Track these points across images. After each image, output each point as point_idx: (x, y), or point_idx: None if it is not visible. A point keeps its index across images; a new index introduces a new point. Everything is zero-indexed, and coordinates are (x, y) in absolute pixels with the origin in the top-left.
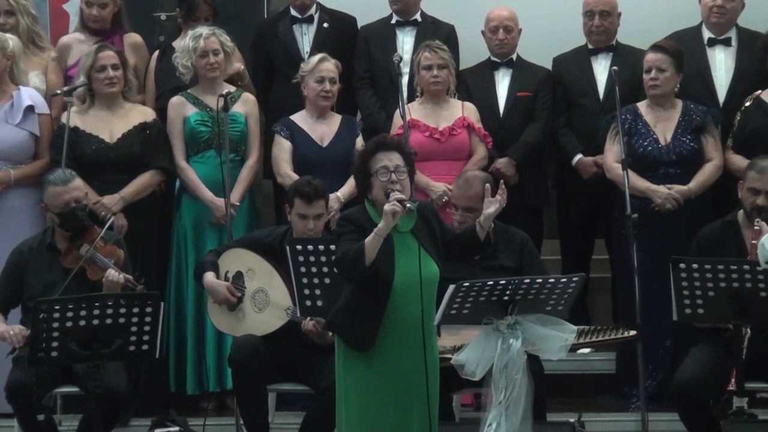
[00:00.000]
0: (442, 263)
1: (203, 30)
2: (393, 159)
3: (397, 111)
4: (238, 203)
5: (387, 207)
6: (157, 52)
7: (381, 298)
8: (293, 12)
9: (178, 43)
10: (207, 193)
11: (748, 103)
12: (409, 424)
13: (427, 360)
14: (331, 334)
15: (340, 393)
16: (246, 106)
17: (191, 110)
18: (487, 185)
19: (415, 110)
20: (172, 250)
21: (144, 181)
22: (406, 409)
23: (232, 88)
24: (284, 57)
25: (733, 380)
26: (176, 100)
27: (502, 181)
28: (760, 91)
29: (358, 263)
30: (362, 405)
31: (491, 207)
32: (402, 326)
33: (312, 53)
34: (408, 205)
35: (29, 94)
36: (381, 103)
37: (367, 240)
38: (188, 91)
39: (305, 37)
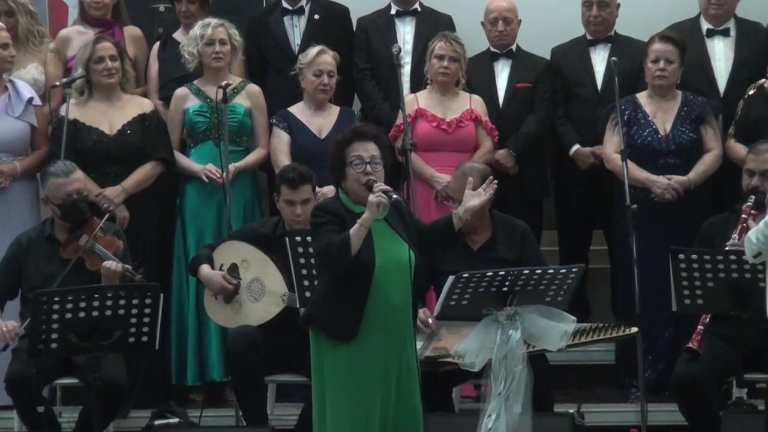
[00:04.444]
0: (427, 255)
1: (213, 20)
2: (369, 149)
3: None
4: (232, 175)
5: (372, 198)
6: (158, 44)
7: (362, 285)
8: (284, 3)
9: (178, 35)
10: (192, 164)
11: (751, 92)
12: (390, 409)
13: (409, 346)
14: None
15: (320, 387)
16: (251, 98)
17: (192, 102)
18: (470, 179)
19: (424, 99)
20: (174, 242)
21: (145, 172)
22: (392, 394)
23: (235, 80)
24: (275, 50)
25: (695, 336)
26: (180, 92)
27: (491, 177)
28: (764, 80)
29: (345, 254)
30: (347, 395)
31: (473, 200)
32: (383, 312)
33: (303, 46)
34: (393, 196)
35: (24, 85)
36: (384, 93)
37: (351, 231)
38: (194, 82)
39: (296, 29)
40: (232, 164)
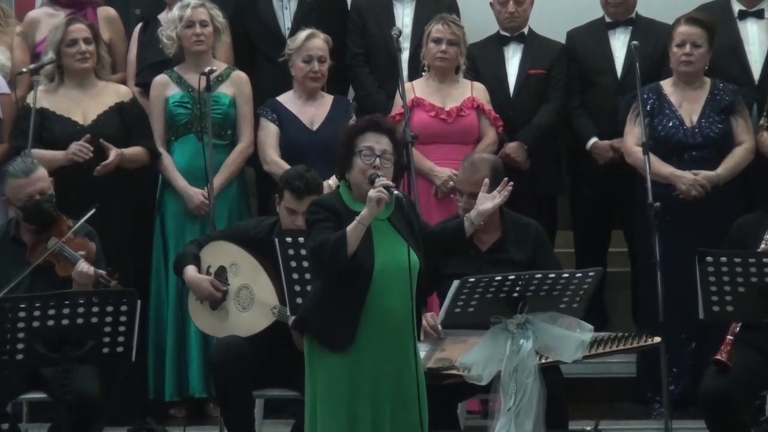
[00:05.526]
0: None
1: (192, 0)
2: (381, 143)
3: (399, 91)
4: (215, 192)
5: (372, 193)
6: (139, 26)
7: (359, 289)
8: None
9: (163, 16)
10: (180, 182)
11: None
12: (384, 424)
13: (416, 356)
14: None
15: (312, 397)
16: (235, 86)
17: (173, 90)
18: (486, 180)
19: (420, 87)
20: (153, 245)
21: (138, 151)
22: (386, 409)
23: (220, 66)
24: (264, 35)
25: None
26: (159, 79)
27: (506, 178)
28: None
29: (340, 253)
30: (340, 408)
31: (487, 203)
32: (381, 320)
33: (293, 30)
34: (395, 192)
35: None
36: (379, 81)
37: (348, 228)
38: (174, 68)
39: (286, 11)
40: (218, 179)
